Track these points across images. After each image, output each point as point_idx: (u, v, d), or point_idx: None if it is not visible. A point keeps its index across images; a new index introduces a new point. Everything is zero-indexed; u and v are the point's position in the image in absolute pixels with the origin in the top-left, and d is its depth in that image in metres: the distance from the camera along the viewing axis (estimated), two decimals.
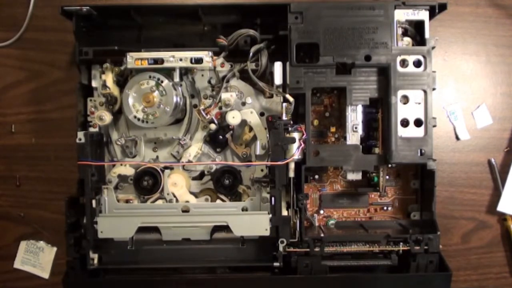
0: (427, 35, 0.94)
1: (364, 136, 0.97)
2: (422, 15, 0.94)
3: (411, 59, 0.93)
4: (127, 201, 0.98)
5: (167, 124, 0.97)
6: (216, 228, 0.96)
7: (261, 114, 0.98)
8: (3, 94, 1.06)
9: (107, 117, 0.95)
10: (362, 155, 0.94)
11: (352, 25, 0.92)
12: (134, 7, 0.96)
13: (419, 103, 0.94)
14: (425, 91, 0.93)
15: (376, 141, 0.97)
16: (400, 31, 0.95)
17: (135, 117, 0.93)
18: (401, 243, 0.94)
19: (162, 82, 0.93)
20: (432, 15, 0.95)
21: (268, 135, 0.95)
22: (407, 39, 0.95)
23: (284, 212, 0.94)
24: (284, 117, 0.93)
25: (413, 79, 0.93)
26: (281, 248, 0.93)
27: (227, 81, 0.97)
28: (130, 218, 0.94)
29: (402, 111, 0.93)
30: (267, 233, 0.92)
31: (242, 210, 0.96)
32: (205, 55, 0.93)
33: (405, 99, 0.94)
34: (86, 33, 0.97)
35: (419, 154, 0.93)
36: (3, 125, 1.06)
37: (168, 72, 0.94)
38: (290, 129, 0.93)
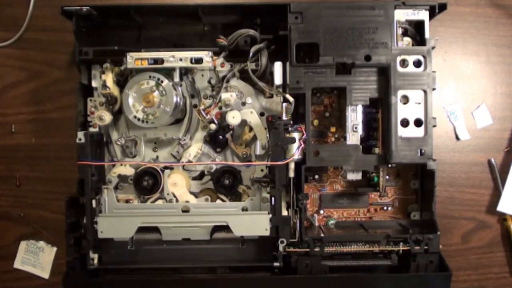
0: (427, 35, 0.94)
1: (364, 136, 0.97)
2: (422, 15, 0.94)
3: (411, 59, 0.93)
4: (127, 201, 0.98)
5: (167, 124, 0.97)
6: (216, 228, 0.96)
7: (261, 114, 0.98)
8: (3, 94, 1.06)
9: (107, 117, 0.95)
10: (362, 155, 0.94)
11: (352, 25, 0.92)
12: (134, 7, 0.96)
13: (419, 103, 0.94)
14: (425, 91, 0.93)
15: (376, 141, 0.97)
16: (400, 31, 0.95)
17: (135, 117, 0.93)
18: (401, 243, 0.94)
19: (162, 82, 0.93)
20: (432, 15, 0.95)
21: (268, 135, 0.95)
22: (407, 39, 0.95)
23: (284, 212, 0.94)
24: (284, 117, 0.93)
25: (413, 79, 0.93)
26: (281, 248, 0.93)
27: (227, 81, 0.97)
28: (130, 218, 0.94)
29: (402, 111, 0.93)
30: (267, 233, 0.92)
31: (242, 210, 0.96)
32: (205, 55, 0.93)
33: (405, 99, 0.94)
34: (86, 33, 0.97)
35: (419, 154, 0.93)
36: (3, 125, 1.06)
37: (168, 72, 0.94)
38: (290, 129, 0.93)
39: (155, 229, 0.96)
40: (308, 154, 0.93)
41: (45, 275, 1.06)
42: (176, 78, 0.94)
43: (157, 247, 0.98)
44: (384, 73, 0.93)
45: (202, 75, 0.98)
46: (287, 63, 0.93)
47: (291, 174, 0.93)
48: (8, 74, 1.06)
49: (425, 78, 0.93)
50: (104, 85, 0.94)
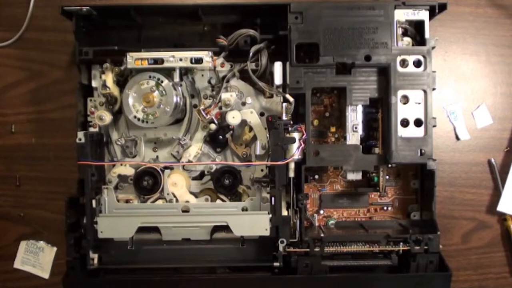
0: (427, 35, 0.94)
1: (364, 136, 0.97)
2: (422, 15, 0.94)
3: (411, 59, 0.93)
4: (127, 201, 0.98)
5: (167, 124, 0.97)
6: (216, 228, 0.96)
7: (261, 114, 0.98)
8: (3, 94, 1.06)
9: (107, 117, 0.95)
10: (362, 155, 0.94)
11: (352, 25, 0.92)
12: (134, 7, 0.96)
13: (419, 103, 0.93)
14: (425, 91, 0.93)
15: (376, 141, 0.97)
16: (400, 31, 0.95)
17: (135, 117, 0.93)
18: (401, 243, 0.94)
19: (162, 82, 0.93)
20: (432, 15, 0.95)
21: (268, 135, 0.95)
22: (407, 39, 0.95)
23: (284, 212, 0.94)
24: (284, 117, 0.93)
25: (413, 79, 0.93)
26: (281, 248, 0.93)
27: (227, 81, 0.97)
28: (130, 218, 0.94)
29: (402, 111, 0.93)
30: (267, 233, 0.92)
31: (242, 210, 0.96)
32: (205, 55, 0.93)
33: (405, 99, 0.94)
34: (86, 33, 0.97)
35: (419, 154, 0.93)
36: (3, 125, 1.06)
37: (168, 72, 0.94)
38: (290, 129, 0.93)
39: (155, 229, 0.96)
40: (308, 154, 0.93)
41: (45, 275, 1.06)
42: (176, 78, 0.94)
43: (157, 247, 0.98)
44: (384, 73, 0.93)
45: (202, 75, 0.98)
46: (287, 63, 0.93)
47: (291, 174, 0.93)
48: (8, 74, 1.06)
49: (425, 78, 0.93)
50: (104, 85, 0.94)
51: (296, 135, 0.93)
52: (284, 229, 0.92)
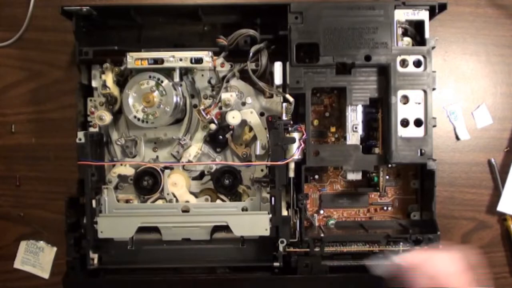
0: (427, 35, 0.94)
1: (364, 136, 0.97)
2: (422, 15, 0.94)
3: (411, 59, 0.93)
4: (127, 201, 0.98)
5: (167, 124, 0.97)
6: (216, 228, 0.96)
7: (261, 114, 0.98)
8: (3, 94, 1.06)
9: (107, 117, 0.95)
10: (362, 155, 0.94)
11: (352, 25, 0.92)
12: (134, 7, 0.96)
13: (419, 103, 0.93)
14: (425, 91, 0.93)
15: (376, 141, 0.97)
16: (400, 31, 0.95)
17: (135, 117, 0.93)
18: (401, 243, 0.94)
19: (162, 82, 0.93)
20: (432, 15, 0.95)
21: (268, 135, 0.95)
22: (407, 39, 0.95)
23: (284, 212, 0.94)
24: (284, 117, 0.93)
25: (413, 79, 0.93)
26: (281, 248, 0.93)
27: (227, 81, 0.97)
28: (130, 218, 0.94)
29: (402, 111, 0.93)
30: (267, 233, 0.92)
31: (242, 210, 0.96)
32: (205, 55, 0.93)
33: (405, 99, 0.94)
34: (86, 33, 0.97)
35: (419, 154, 0.93)
36: (3, 125, 1.06)
37: (168, 72, 0.94)
38: (290, 129, 0.93)
39: (155, 229, 0.96)
40: (308, 154, 0.93)
41: (45, 275, 1.06)
42: (176, 78, 0.94)
43: (157, 247, 0.97)
44: (384, 73, 0.93)
45: (202, 75, 0.98)
46: (287, 63, 0.93)
47: (291, 174, 0.93)
48: (8, 74, 1.06)
49: (425, 78, 0.93)
50: (104, 85, 0.94)
51: (296, 135, 0.93)
52: (284, 229, 0.92)
